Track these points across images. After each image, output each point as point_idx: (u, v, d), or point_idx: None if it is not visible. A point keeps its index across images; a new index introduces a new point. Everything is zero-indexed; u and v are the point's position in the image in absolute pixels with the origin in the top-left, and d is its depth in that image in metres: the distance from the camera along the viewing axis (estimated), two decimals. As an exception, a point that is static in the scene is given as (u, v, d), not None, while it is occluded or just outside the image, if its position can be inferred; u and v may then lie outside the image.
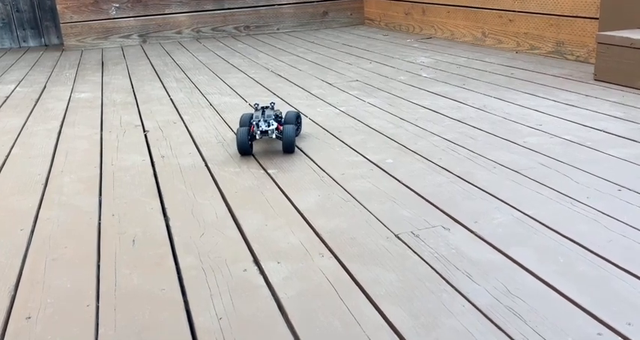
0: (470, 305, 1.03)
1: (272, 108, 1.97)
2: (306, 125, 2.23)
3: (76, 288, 1.15)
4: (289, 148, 1.87)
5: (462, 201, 1.47)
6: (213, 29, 5.16)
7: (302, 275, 1.16)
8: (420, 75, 3.08)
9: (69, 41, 4.86)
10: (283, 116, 2.08)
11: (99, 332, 1.01)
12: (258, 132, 1.87)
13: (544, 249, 1.21)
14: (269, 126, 1.87)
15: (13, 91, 3.22)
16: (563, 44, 3.28)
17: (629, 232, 1.26)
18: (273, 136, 1.88)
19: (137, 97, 2.91)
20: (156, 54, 4.39)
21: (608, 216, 1.34)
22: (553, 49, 3.36)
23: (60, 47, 5.03)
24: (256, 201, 1.54)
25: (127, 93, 3.03)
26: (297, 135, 2.04)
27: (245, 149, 1.87)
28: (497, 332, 0.95)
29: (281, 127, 1.89)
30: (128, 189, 1.67)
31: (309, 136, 2.09)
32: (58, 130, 2.35)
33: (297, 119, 2.04)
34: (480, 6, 3.92)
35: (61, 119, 2.53)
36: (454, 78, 2.96)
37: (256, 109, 1.96)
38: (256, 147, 1.99)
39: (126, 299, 1.11)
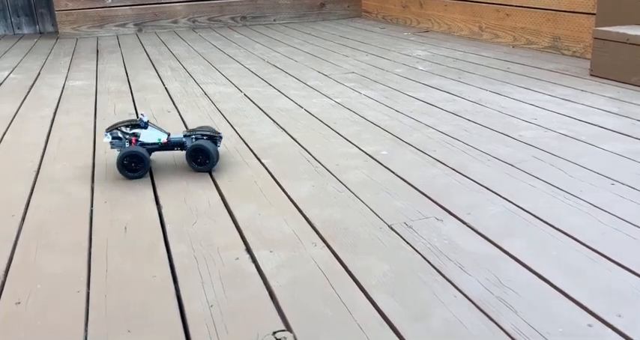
0: (461, 295, 1.03)
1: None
2: (301, 115, 2.22)
3: (66, 274, 1.15)
4: None
5: (455, 193, 1.47)
6: (209, 19, 5.14)
7: (294, 264, 1.15)
8: (416, 68, 3.07)
9: (64, 29, 4.82)
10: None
11: (89, 317, 1.01)
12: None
13: (537, 241, 1.21)
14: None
15: (6, 78, 3.20)
16: (559, 39, 3.28)
17: (622, 225, 1.26)
18: None
19: (131, 86, 2.89)
20: (151, 43, 4.36)
21: (601, 209, 1.34)
22: (549, 44, 3.35)
23: (55, 35, 5.00)
24: (250, 190, 1.53)
25: (121, 81, 3.01)
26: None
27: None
28: (488, 323, 0.95)
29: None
30: (121, 176, 1.66)
31: (305, 127, 2.08)
32: (51, 118, 2.33)
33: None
34: (477, 0, 3.91)
35: (54, 106, 2.52)
36: (450, 71, 2.95)
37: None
38: (250, 137, 1.99)
39: (117, 286, 1.10)
